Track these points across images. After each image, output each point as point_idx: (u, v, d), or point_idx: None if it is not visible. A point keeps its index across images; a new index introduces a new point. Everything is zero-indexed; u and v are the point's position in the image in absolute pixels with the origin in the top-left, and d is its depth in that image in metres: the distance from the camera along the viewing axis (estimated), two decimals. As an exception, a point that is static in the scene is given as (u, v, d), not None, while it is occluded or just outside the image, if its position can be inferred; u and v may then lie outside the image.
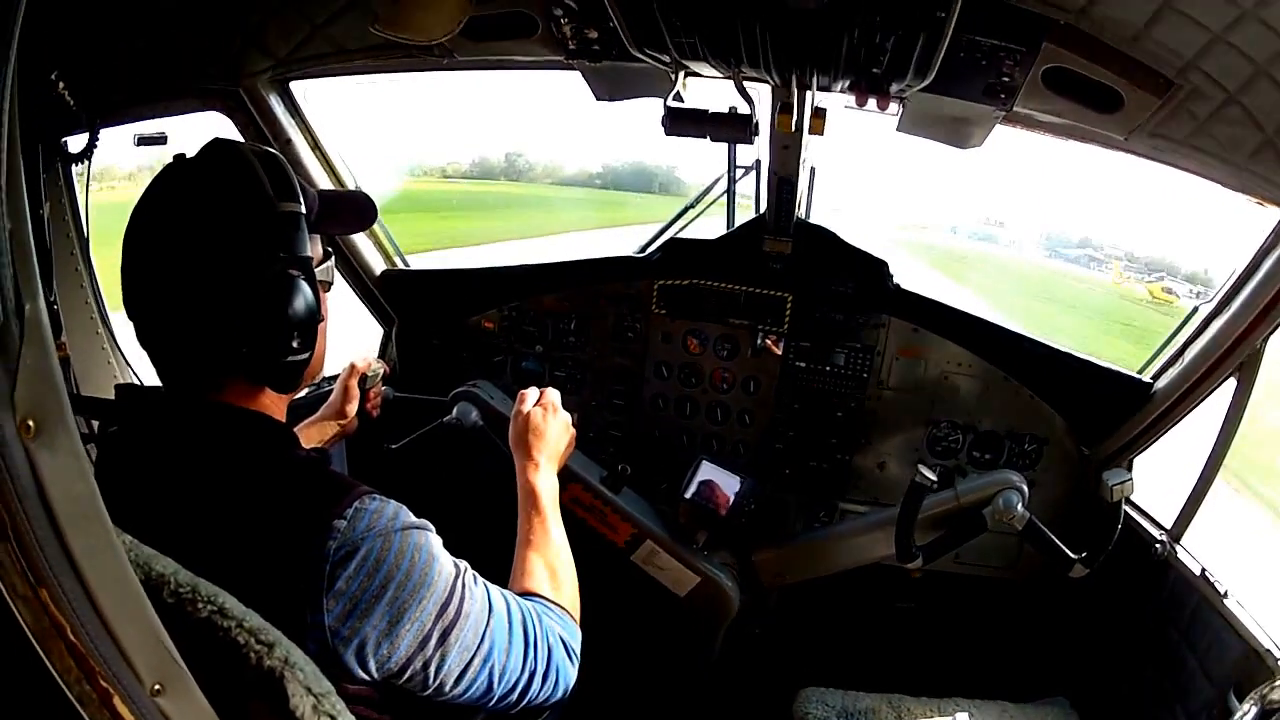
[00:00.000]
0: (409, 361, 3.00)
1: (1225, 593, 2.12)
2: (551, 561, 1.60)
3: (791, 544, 2.77)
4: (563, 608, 1.52)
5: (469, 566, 1.31)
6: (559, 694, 1.42)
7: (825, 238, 2.74)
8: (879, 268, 2.75)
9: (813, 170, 2.69)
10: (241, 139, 2.36)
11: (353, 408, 2.08)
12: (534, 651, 1.35)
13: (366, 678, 1.16)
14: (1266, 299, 2.07)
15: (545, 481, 1.76)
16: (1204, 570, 2.22)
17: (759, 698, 2.82)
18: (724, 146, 2.71)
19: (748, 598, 2.66)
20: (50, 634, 0.75)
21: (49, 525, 0.74)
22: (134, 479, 1.20)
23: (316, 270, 1.28)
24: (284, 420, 1.34)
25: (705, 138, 1.94)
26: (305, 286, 1.22)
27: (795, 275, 2.77)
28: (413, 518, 1.23)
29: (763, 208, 2.68)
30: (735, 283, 2.77)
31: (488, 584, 1.33)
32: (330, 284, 1.38)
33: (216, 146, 1.22)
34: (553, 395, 1.92)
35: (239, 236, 1.17)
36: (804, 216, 2.78)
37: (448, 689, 1.23)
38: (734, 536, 2.65)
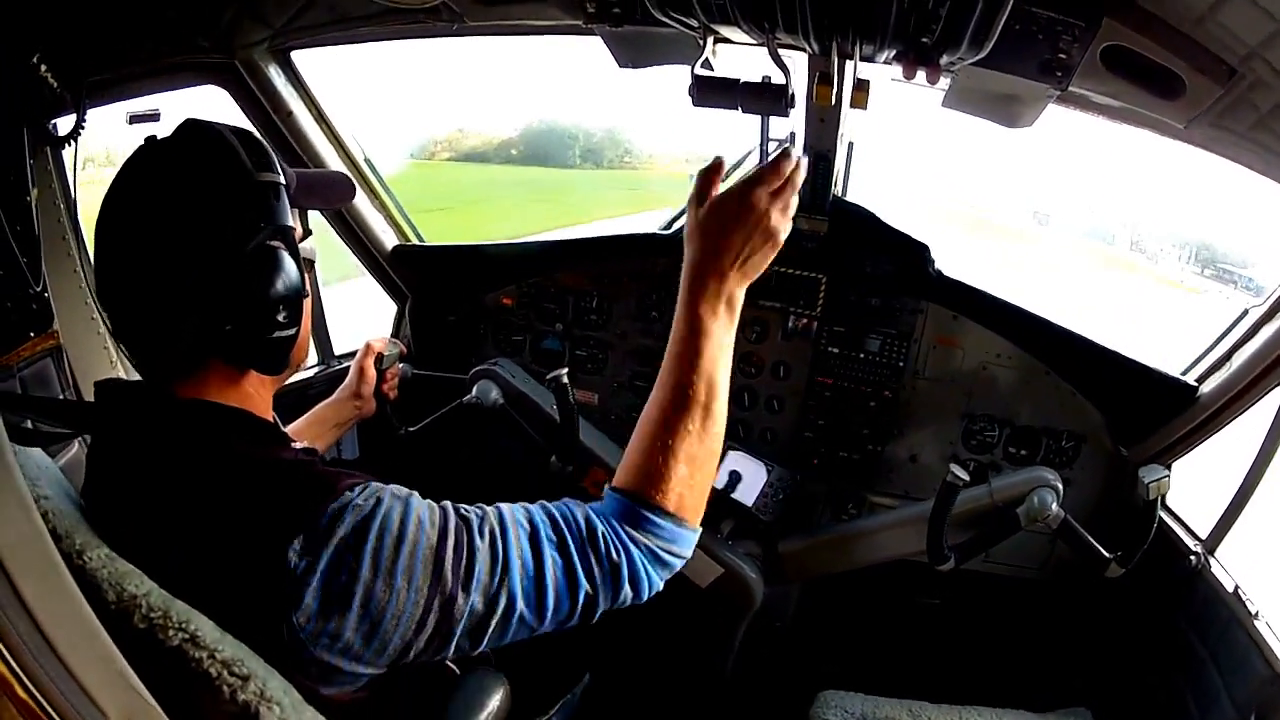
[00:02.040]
0: (423, 339, 2.89)
1: (1256, 613, 2.03)
2: (679, 443, 1.19)
3: (818, 536, 2.65)
4: (667, 513, 1.19)
5: (474, 512, 1.14)
6: (641, 599, 1.22)
7: (863, 217, 2.60)
8: (919, 251, 2.61)
9: (851, 145, 2.56)
10: (241, 113, 2.27)
11: (369, 389, 2.02)
12: (580, 584, 1.14)
13: (369, 672, 1.08)
14: None
15: (722, 310, 1.25)
16: (1237, 587, 2.13)
17: (776, 698, 2.73)
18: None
19: (770, 591, 2.56)
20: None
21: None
22: (115, 485, 1.13)
23: (299, 246, 1.23)
24: (270, 410, 1.28)
25: (736, 109, 1.78)
26: (288, 258, 1.18)
27: (830, 256, 2.64)
28: (386, 496, 1.09)
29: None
30: None
31: (503, 523, 1.13)
32: (313, 262, 1.32)
33: (189, 125, 1.16)
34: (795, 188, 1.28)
35: (217, 208, 1.11)
36: (841, 194, 2.63)
37: (469, 649, 1.12)
38: (760, 527, 2.54)
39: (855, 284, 2.65)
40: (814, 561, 2.60)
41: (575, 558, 1.14)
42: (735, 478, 2.53)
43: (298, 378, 2.42)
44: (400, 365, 2.16)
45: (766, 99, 1.77)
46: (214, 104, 2.25)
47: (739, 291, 1.27)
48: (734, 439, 2.76)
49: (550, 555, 1.12)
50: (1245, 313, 2.31)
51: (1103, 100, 1.72)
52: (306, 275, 1.24)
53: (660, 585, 1.23)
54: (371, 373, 2.03)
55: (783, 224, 1.26)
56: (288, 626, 1.00)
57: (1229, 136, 1.66)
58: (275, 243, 1.15)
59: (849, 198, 2.64)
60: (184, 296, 1.09)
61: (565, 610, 1.14)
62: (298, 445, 1.25)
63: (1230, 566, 2.24)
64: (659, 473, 1.19)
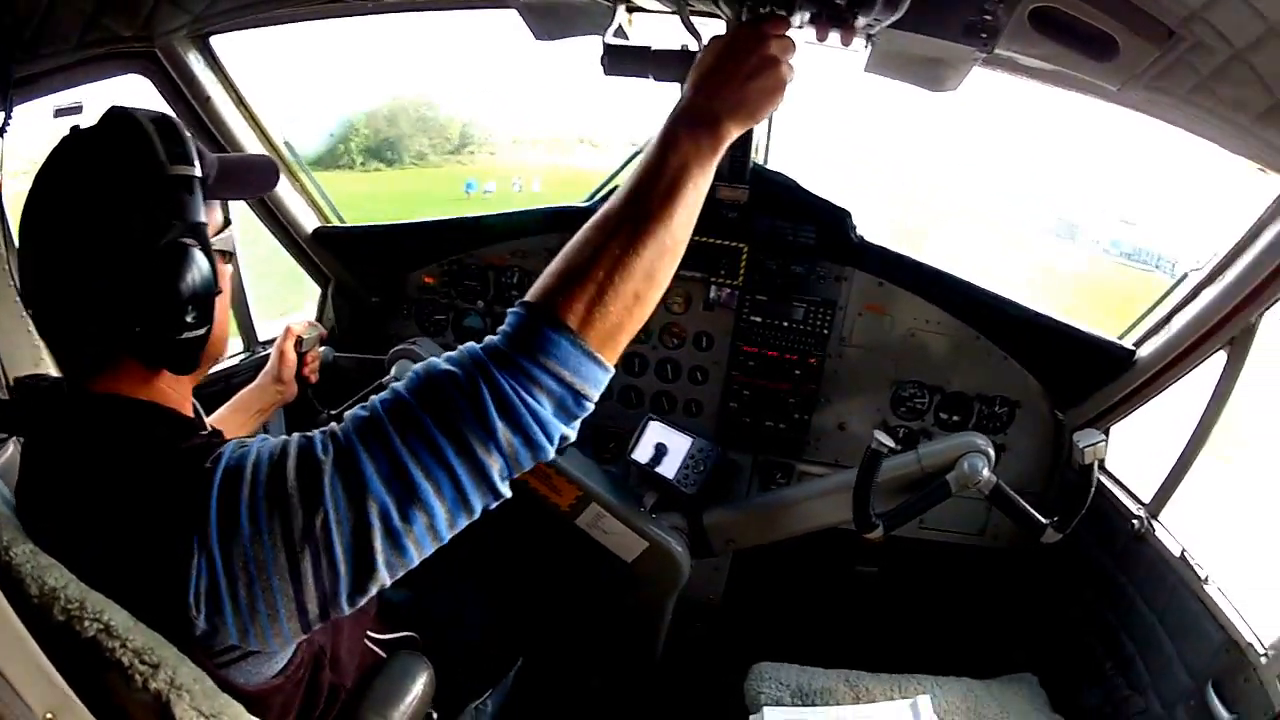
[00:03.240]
0: (348, 322, 2.79)
1: (1206, 577, 1.98)
2: (607, 249, 1.01)
3: (745, 507, 2.58)
4: (566, 329, 0.99)
5: (318, 431, 1.01)
6: (539, 446, 1.00)
7: (784, 185, 2.53)
8: (841, 217, 2.55)
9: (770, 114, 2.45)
10: (164, 101, 2.17)
11: (289, 373, 1.96)
12: (444, 450, 0.96)
13: (289, 643, 1.04)
14: (1265, 273, 1.91)
15: (704, 136, 1.07)
16: (1184, 551, 2.07)
17: (711, 673, 2.66)
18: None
19: (699, 565, 2.50)
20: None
21: None
22: (38, 481, 1.11)
23: (215, 239, 1.16)
24: (187, 403, 1.20)
25: (648, 77, 1.68)
26: (199, 256, 1.10)
27: (751, 224, 2.57)
28: (228, 450, 1.01)
29: None
30: None
31: (345, 429, 0.99)
32: (232, 254, 1.23)
33: (110, 114, 1.10)
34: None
35: (128, 204, 1.05)
36: (762, 163, 2.56)
37: (371, 578, 0.98)
38: (684, 499, 2.47)
39: (778, 252, 2.58)
40: (741, 532, 2.52)
41: (428, 423, 0.96)
42: (660, 451, 2.46)
43: (221, 366, 2.35)
44: (321, 348, 2.09)
45: (680, 66, 1.68)
46: (144, 94, 2.14)
47: (730, 127, 1.09)
48: (657, 411, 2.70)
49: (398, 433, 0.96)
50: (1185, 276, 2.24)
51: (1031, 63, 1.63)
52: (223, 267, 1.18)
53: (560, 428, 1.01)
54: (292, 356, 1.97)
55: (790, 77, 1.14)
56: (189, 613, 0.95)
57: (1166, 99, 1.58)
58: (187, 240, 1.08)
59: (770, 166, 2.57)
60: (95, 296, 1.04)
61: (450, 490, 0.97)
62: (207, 432, 1.17)
63: (1176, 530, 2.19)
64: (572, 279, 1.00)
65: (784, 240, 2.57)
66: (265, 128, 2.39)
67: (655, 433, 2.50)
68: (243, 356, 2.48)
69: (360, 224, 2.75)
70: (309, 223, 2.62)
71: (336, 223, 2.71)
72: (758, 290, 2.64)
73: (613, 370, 1.04)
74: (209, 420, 1.31)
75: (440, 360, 1.02)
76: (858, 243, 2.57)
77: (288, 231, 2.58)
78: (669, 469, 2.46)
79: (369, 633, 1.57)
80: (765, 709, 2.16)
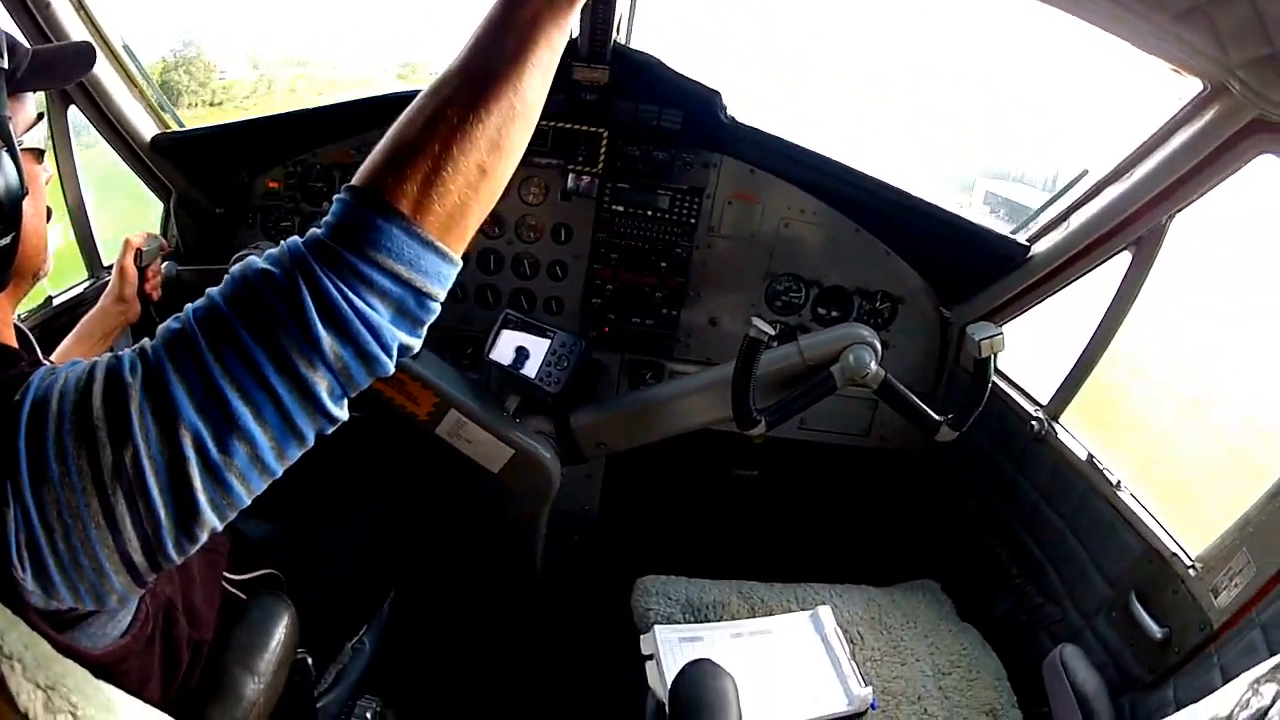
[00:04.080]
0: (193, 237, 2.59)
1: (1117, 482, 1.90)
2: (442, 118, 0.84)
3: (615, 407, 2.43)
4: (398, 214, 0.82)
5: (128, 350, 0.85)
6: (373, 357, 0.85)
7: (647, 64, 2.31)
8: (710, 98, 2.33)
9: None
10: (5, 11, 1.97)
11: (131, 290, 1.80)
12: (263, 366, 0.82)
13: (123, 597, 0.88)
14: (1178, 174, 1.81)
15: None
16: (1091, 456, 1.95)
17: (593, 589, 2.55)
18: None
19: (571, 473, 2.37)
20: None
21: None
22: None
23: (24, 135, 1.01)
24: (7, 329, 1.04)
25: None
26: (2, 156, 0.94)
27: (612, 108, 2.37)
28: (36, 379, 0.85)
29: (574, 31, 2.17)
30: (541, 117, 2.45)
31: (155, 347, 0.83)
32: (43, 151, 1.08)
33: None
34: None
35: None
36: (624, 41, 2.33)
37: (199, 520, 0.84)
38: (549, 399, 2.32)
39: (640, 137, 2.39)
40: (611, 435, 2.37)
41: (243, 334, 0.81)
42: (522, 354, 2.31)
43: (67, 296, 2.17)
44: (164, 264, 1.94)
45: None
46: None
47: None
48: (517, 309, 2.53)
49: (211, 349, 0.81)
50: (1085, 173, 2.08)
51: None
52: (33, 167, 1.04)
53: (400, 336, 0.86)
54: (133, 272, 1.81)
55: None
56: (15, 572, 0.81)
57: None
58: None
59: (633, 45, 2.34)
60: None
61: (273, 414, 0.83)
62: (26, 361, 1.00)
63: (1080, 435, 2.12)
64: (402, 154, 0.83)
65: (648, 125, 2.38)
66: (103, 30, 2.19)
67: (511, 331, 2.35)
68: (87, 284, 2.28)
69: (200, 128, 2.54)
70: (148, 130, 2.42)
71: (176, 128, 2.50)
72: (619, 178, 2.47)
73: (460, 263, 0.88)
74: (52, 357, 1.19)
75: (258, 258, 0.85)
76: (728, 126, 2.37)
77: (126, 142, 2.38)
78: (531, 369, 2.32)
79: (226, 575, 1.41)
80: (656, 627, 2.04)
